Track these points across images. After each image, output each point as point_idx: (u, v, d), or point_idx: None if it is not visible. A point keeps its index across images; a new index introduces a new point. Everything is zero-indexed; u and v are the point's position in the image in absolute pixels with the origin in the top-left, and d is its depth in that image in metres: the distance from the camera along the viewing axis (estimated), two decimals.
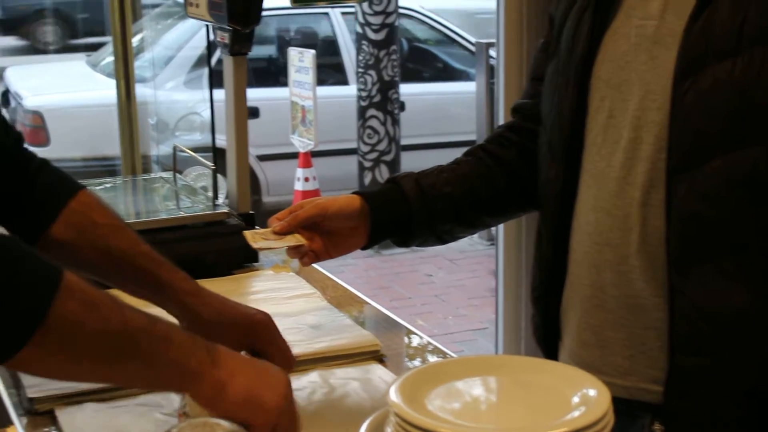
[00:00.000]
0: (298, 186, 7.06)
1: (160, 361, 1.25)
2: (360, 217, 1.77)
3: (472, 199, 1.83)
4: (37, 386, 1.64)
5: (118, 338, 1.21)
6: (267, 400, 1.31)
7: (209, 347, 1.30)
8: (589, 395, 1.31)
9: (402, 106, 7.33)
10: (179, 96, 7.42)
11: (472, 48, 7.82)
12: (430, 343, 1.89)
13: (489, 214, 1.88)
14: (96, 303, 1.20)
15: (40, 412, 1.61)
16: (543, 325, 1.75)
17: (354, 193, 1.81)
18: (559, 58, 1.66)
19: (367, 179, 7.26)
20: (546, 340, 1.75)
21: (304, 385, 1.68)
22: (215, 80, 2.54)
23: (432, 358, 1.83)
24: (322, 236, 1.76)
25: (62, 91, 7.82)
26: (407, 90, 7.51)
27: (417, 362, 1.82)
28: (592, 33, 1.61)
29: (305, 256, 1.76)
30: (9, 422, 1.61)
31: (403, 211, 1.79)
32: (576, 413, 1.28)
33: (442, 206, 1.81)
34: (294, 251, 1.76)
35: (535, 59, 1.82)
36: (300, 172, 7.06)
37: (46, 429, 1.57)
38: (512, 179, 1.83)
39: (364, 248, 1.83)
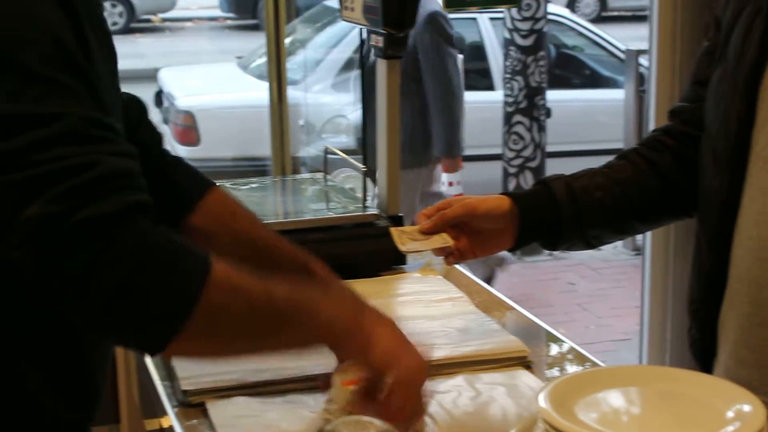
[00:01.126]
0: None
1: (308, 327, 1.34)
2: (508, 219, 1.77)
3: (624, 204, 1.80)
4: (190, 379, 1.68)
5: (265, 316, 1.28)
6: (406, 358, 1.38)
7: (356, 306, 1.40)
8: (744, 411, 1.28)
9: (548, 113, 7.27)
10: (326, 99, 7.50)
11: (622, 55, 7.71)
12: (577, 351, 1.87)
13: (641, 221, 1.86)
14: (241, 287, 1.26)
15: (192, 404, 1.64)
16: (700, 339, 1.70)
17: (503, 194, 1.81)
18: (726, 64, 1.61)
19: (512, 185, 7.22)
20: (703, 354, 1.70)
21: (449, 388, 1.68)
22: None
23: (579, 367, 1.81)
24: (468, 236, 1.76)
25: (213, 92, 7.98)
26: (554, 96, 7.45)
27: (564, 370, 1.81)
28: (763, 39, 1.55)
29: (450, 255, 1.77)
30: (163, 413, 1.65)
31: (552, 215, 1.77)
32: (730, 428, 1.25)
33: (593, 211, 1.79)
34: (440, 250, 1.77)
35: (698, 62, 1.77)
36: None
37: (197, 420, 1.60)
38: (667, 185, 1.79)
39: (510, 250, 1.83)
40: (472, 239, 1.77)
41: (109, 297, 1.15)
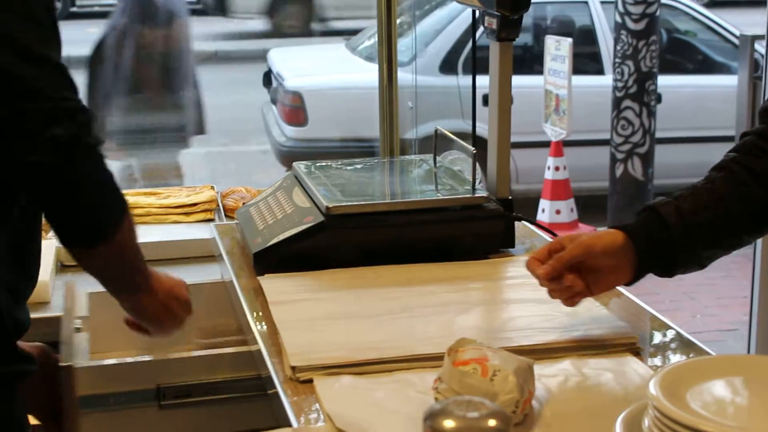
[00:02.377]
0: (548, 175, 7.03)
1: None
2: (625, 253, 1.75)
3: (733, 221, 1.78)
4: (298, 355, 1.71)
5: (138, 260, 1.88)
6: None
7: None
8: None
9: (659, 98, 7.17)
10: (433, 81, 7.50)
11: (735, 40, 7.56)
12: (683, 339, 1.85)
13: (748, 233, 1.83)
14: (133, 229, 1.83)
15: (301, 380, 1.66)
16: None
17: (613, 227, 1.79)
18: None
19: (619, 171, 7.14)
20: None
21: (556, 372, 1.68)
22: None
23: (686, 355, 1.78)
24: (585, 274, 1.75)
25: (322, 73, 8.03)
26: (665, 82, 7.33)
27: (670, 358, 1.79)
28: None
29: (568, 299, 1.76)
30: (272, 387, 1.68)
31: (666, 242, 1.76)
32: None
33: (704, 233, 1.77)
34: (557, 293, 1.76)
35: None
36: (551, 161, 7.01)
37: (305, 396, 1.62)
38: None
39: (627, 284, 1.81)
40: (589, 278, 1.76)
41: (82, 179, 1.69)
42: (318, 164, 2.53)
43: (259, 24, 12.27)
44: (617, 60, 7.08)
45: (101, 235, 1.75)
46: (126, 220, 1.78)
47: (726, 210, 1.77)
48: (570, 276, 1.74)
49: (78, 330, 2.19)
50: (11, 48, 1.61)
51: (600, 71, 7.87)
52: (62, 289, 2.34)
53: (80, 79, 5.22)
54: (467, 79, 2.51)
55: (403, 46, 7.24)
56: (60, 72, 1.66)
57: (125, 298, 1.93)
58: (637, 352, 1.76)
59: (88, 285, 2.30)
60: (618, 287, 1.88)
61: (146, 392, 2.09)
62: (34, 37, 1.64)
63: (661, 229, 1.76)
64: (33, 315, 1.91)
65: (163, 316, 1.97)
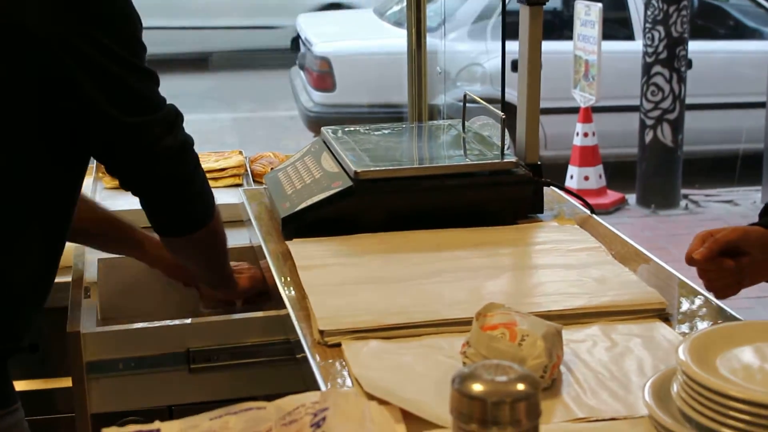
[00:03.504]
0: (577, 141, 7.00)
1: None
2: None
3: None
4: (327, 319, 1.71)
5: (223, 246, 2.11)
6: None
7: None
8: None
9: (689, 64, 7.11)
10: (462, 47, 7.47)
11: None
12: (713, 305, 1.84)
13: None
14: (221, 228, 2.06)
15: (329, 344, 1.67)
16: None
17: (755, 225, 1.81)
18: None
19: (649, 137, 7.10)
20: None
21: (585, 337, 1.68)
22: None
23: (716, 322, 1.78)
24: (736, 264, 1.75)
25: (350, 38, 8.01)
26: (695, 47, 7.27)
27: (699, 324, 1.78)
28: None
29: (723, 288, 1.79)
30: (301, 351, 1.68)
31: None
32: None
33: None
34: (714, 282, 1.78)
35: None
36: (579, 127, 6.98)
37: (334, 360, 1.63)
38: None
39: None
40: (740, 268, 1.76)
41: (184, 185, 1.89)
42: (346, 129, 2.52)
43: None
44: (647, 25, 7.02)
45: (202, 222, 1.94)
46: (216, 207, 1.98)
47: None
48: (728, 259, 1.74)
49: (87, 296, 2.20)
50: (121, 61, 1.74)
51: (630, 37, 7.81)
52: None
53: None
54: (496, 45, 2.50)
55: (432, 11, 7.20)
56: (156, 80, 1.81)
57: (217, 284, 2.24)
58: (665, 318, 1.76)
59: (97, 252, 2.32)
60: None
61: (176, 356, 2.10)
62: (136, 50, 1.78)
63: None
64: None
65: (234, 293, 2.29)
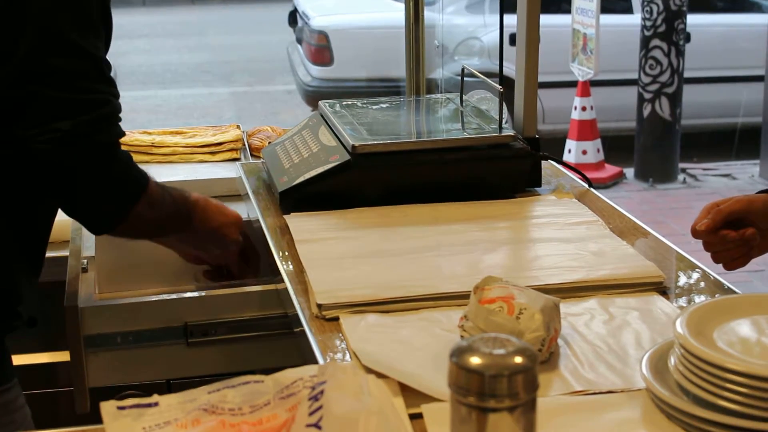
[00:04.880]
0: (575, 115, 6.99)
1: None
2: None
3: None
4: (324, 293, 1.71)
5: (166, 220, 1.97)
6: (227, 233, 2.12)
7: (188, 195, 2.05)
8: None
9: (687, 37, 7.09)
10: (460, 20, 7.45)
11: None
12: (710, 279, 1.84)
13: None
14: (158, 202, 1.89)
15: (327, 318, 1.67)
16: None
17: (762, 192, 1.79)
18: None
19: (647, 111, 7.09)
20: None
21: (582, 311, 1.68)
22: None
23: (712, 295, 1.78)
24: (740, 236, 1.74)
25: (347, 12, 7.99)
26: (694, 20, 7.26)
27: (698, 297, 1.78)
28: None
29: (731, 261, 1.79)
30: (299, 325, 1.69)
31: None
32: None
33: None
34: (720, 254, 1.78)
35: None
36: (578, 101, 6.98)
37: (331, 334, 1.63)
38: None
39: None
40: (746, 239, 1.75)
41: (93, 184, 1.77)
42: (344, 103, 2.52)
43: None
44: None
45: (105, 228, 1.87)
46: (139, 203, 1.84)
47: None
48: (730, 231, 1.73)
49: (84, 270, 2.21)
50: (47, 33, 1.63)
51: (628, 10, 7.80)
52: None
53: None
54: (494, 18, 2.48)
55: None
56: (95, 64, 1.69)
57: (169, 245, 2.11)
58: (663, 292, 1.76)
59: None
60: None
61: (174, 330, 2.10)
62: (74, 27, 1.65)
63: None
64: None
65: (213, 257, 2.16)
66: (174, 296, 2.12)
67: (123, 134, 1.79)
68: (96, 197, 1.80)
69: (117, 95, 1.76)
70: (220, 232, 2.10)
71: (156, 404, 1.26)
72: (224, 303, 2.12)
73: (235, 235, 2.13)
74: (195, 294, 2.13)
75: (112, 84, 1.74)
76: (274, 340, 2.11)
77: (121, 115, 1.78)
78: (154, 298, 2.14)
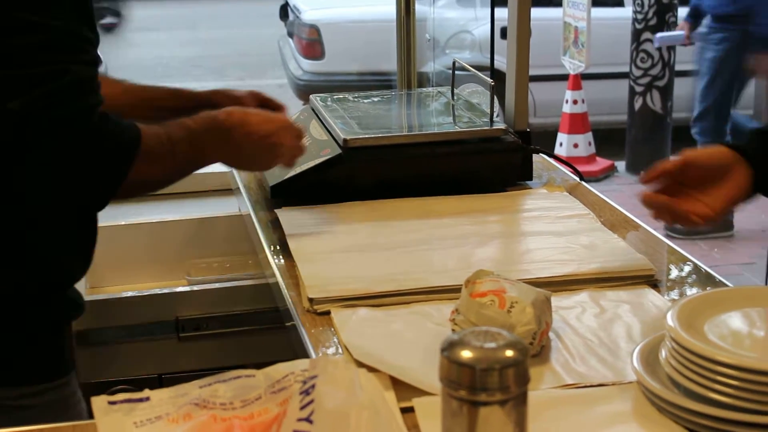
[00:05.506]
0: (566, 108, 6.99)
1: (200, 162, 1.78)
2: (734, 163, 1.70)
3: None
4: (316, 287, 1.71)
5: (173, 172, 1.74)
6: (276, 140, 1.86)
7: (215, 114, 1.80)
8: None
9: None
10: (451, 14, 7.44)
11: None
12: (702, 272, 1.84)
13: None
14: (157, 158, 1.66)
15: (319, 312, 1.67)
16: None
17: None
18: None
19: (638, 104, 7.09)
20: None
21: (574, 304, 1.68)
22: None
23: (703, 288, 1.78)
24: (696, 191, 1.71)
25: (339, 5, 7.98)
26: (685, 13, 7.26)
27: (688, 290, 1.79)
28: None
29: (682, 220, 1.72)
30: (290, 319, 1.69)
31: None
32: None
33: None
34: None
35: None
36: (569, 95, 6.98)
37: (323, 328, 1.63)
38: None
39: (746, 199, 1.75)
40: (701, 193, 1.70)
41: (65, 173, 1.57)
42: (335, 97, 2.51)
43: None
44: None
45: (101, 203, 1.66)
46: (134, 168, 1.62)
47: None
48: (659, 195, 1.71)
49: None
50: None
51: (619, 3, 7.80)
52: None
53: None
54: (486, 12, 2.49)
55: None
56: (51, 36, 1.53)
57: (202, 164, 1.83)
58: (654, 285, 1.76)
59: None
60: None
61: (165, 324, 2.10)
62: (21, 4, 1.51)
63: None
64: None
65: (262, 164, 1.96)
66: (165, 291, 2.13)
67: (97, 103, 1.58)
68: (75, 175, 1.58)
69: (86, 62, 1.56)
70: (268, 142, 1.87)
71: (147, 399, 1.26)
72: (215, 297, 2.12)
73: (288, 141, 1.90)
74: (186, 289, 2.13)
75: (77, 52, 1.55)
76: (266, 334, 2.11)
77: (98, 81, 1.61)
78: (145, 292, 2.13)
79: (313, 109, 2.43)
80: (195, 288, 2.13)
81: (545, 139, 6.80)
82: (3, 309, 1.64)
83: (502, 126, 2.25)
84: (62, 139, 1.54)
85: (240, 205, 2.35)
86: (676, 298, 1.72)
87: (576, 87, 6.95)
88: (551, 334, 1.55)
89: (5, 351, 1.66)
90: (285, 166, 1.98)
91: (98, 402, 1.24)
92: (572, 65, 6.88)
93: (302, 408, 1.17)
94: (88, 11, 1.59)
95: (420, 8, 3.15)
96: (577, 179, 2.33)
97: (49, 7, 1.53)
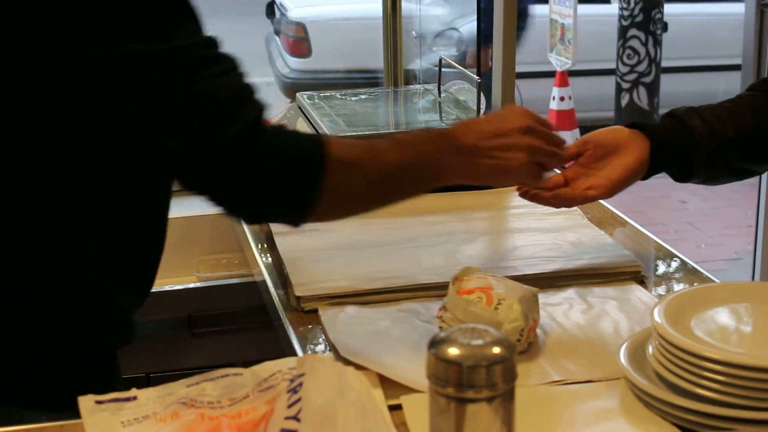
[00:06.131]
0: (553, 105, 6.99)
1: (420, 181, 1.54)
2: (631, 140, 1.73)
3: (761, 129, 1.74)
4: (303, 285, 1.71)
5: (378, 183, 1.48)
6: (509, 124, 1.57)
7: (441, 131, 1.59)
8: None
9: (665, 27, 7.11)
10: (438, 11, 7.44)
11: None
12: (689, 268, 1.85)
13: None
14: (354, 164, 1.43)
15: (306, 310, 1.67)
16: None
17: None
18: None
19: (625, 101, 7.11)
20: None
21: (561, 301, 1.68)
22: None
23: (691, 284, 1.79)
24: (594, 169, 1.73)
25: (325, 3, 7.97)
26: (671, 10, 7.28)
27: (675, 286, 1.79)
28: None
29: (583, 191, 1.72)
30: (278, 319, 1.68)
31: (682, 132, 1.72)
32: None
33: (727, 131, 1.73)
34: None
35: None
36: (556, 91, 6.98)
37: (310, 326, 1.63)
38: None
39: (644, 178, 1.78)
40: (598, 169, 1.73)
41: (251, 196, 1.40)
42: (322, 95, 2.51)
43: None
44: None
45: (300, 218, 1.47)
46: (326, 178, 1.40)
47: (757, 119, 1.73)
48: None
49: None
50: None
51: (605, 0, 7.80)
52: None
53: None
54: (472, 8, 2.49)
55: None
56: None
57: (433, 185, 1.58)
58: (641, 281, 1.76)
59: None
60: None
61: (148, 323, 2.09)
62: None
63: (677, 123, 1.73)
64: None
65: (509, 162, 1.57)
66: (159, 290, 2.11)
67: (261, 107, 1.41)
68: (265, 187, 1.39)
69: (227, 71, 1.39)
70: (502, 131, 1.57)
71: (135, 398, 1.26)
72: (203, 296, 2.12)
73: (523, 123, 1.60)
74: (174, 288, 2.13)
75: (212, 64, 1.36)
76: (253, 333, 2.11)
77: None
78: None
79: (300, 107, 2.43)
80: (178, 287, 2.12)
81: None
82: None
83: None
84: (243, 157, 1.35)
85: None
86: (663, 293, 1.72)
87: (563, 84, 6.95)
88: (538, 331, 1.55)
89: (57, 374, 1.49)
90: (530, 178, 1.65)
91: (85, 402, 1.24)
92: (559, 62, 6.88)
93: (290, 406, 1.17)
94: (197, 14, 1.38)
95: (407, 5, 3.15)
96: None
97: (167, 28, 1.32)
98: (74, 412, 1.27)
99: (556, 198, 1.72)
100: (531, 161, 1.59)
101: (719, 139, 1.71)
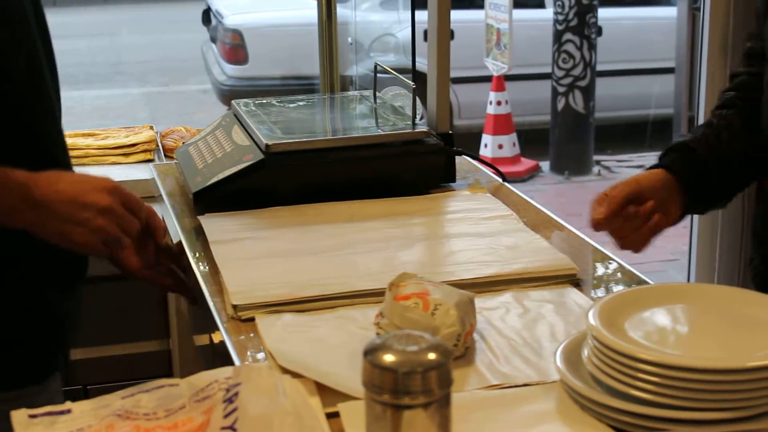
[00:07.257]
0: (490, 110, 7.04)
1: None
2: (671, 189, 1.78)
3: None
4: (240, 293, 1.70)
5: None
6: (90, 197, 1.60)
7: (23, 179, 1.56)
8: None
9: (599, 31, 7.18)
10: (374, 17, 7.45)
11: None
12: (625, 270, 1.86)
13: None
14: None
15: (243, 318, 1.66)
16: (764, 271, 1.69)
17: (652, 168, 1.83)
18: None
19: (561, 104, 7.17)
20: (765, 286, 1.69)
21: (497, 305, 1.69)
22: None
23: (627, 286, 1.80)
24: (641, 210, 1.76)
25: (261, 10, 7.96)
26: (605, 14, 7.36)
27: (611, 288, 1.81)
28: None
29: (633, 244, 1.78)
30: (214, 328, 1.67)
31: (703, 172, 1.79)
32: None
33: (735, 160, 1.81)
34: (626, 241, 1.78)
35: None
36: (492, 96, 7.02)
37: (247, 335, 1.62)
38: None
39: (675, 222, 1.84)
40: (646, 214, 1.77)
41: None
42: (258, 102, 2.50)
43: None
44: None
45: None
46: None
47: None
48: (629, 206, 1.74)
49: None
50: None
51: (540, 4, 7.87)
52: None
53: None
54: (408, 14, 2.50)
55: None
56: None
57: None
58: (577, 284, 1.77)
59: None
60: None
61: None
62: None
63: (696, 162, 1.79)
64: None
65: (73, 235, 1.60)
66: None
67: None
68: None
69: None
70: (80, 201, 1.60)
71: (69, 411, 1.25)
72: None
73: (104, 202, 1.63)
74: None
75: None
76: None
77: None
78: None
79: (235, 115, 2.42)
80: None
81: (470, 141, 6.83)
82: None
83: (424, 128, 2.25)
84: None
85: (163, 212, 2.32)
86: (600, 296, 1.73)
87: (499, 88, 7.00)
88: (475, 336, 1.55)
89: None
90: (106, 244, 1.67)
91: (18, 416, 1.22)
92: (495, 67, 6.92)
93: (226, 416, 1.16)
94: None
95: (342, 12, 3.16)
96: (500, 180, 2.35)
97: None
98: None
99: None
100: (97, 241, 1.63)
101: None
